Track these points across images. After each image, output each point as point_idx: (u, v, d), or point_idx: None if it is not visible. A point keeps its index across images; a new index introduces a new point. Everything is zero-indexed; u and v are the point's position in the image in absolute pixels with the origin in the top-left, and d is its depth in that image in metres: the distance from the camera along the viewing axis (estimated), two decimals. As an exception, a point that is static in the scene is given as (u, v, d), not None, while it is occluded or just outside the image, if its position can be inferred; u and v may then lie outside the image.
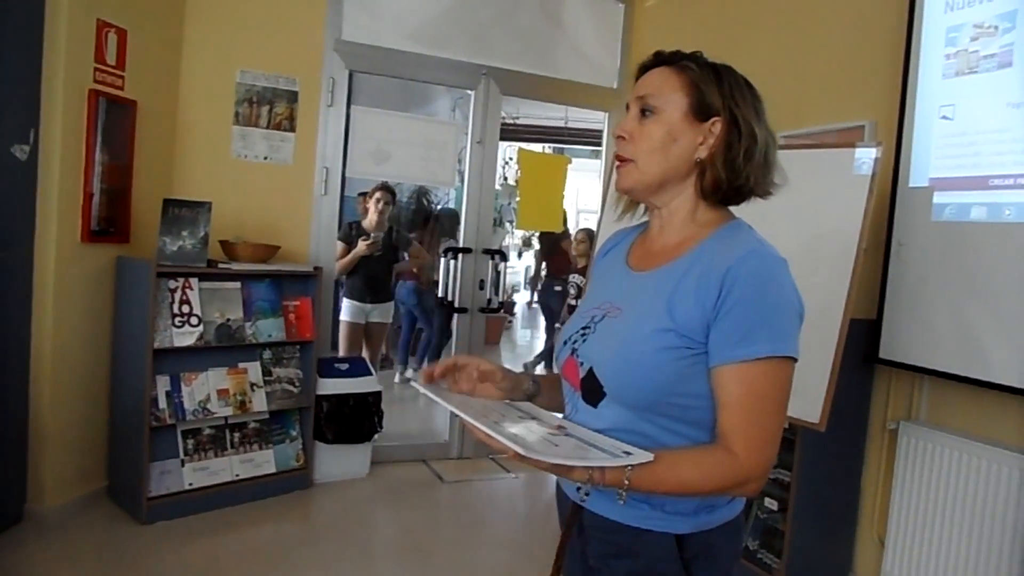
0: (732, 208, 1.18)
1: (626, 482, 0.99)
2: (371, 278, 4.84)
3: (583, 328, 1.18)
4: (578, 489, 1.06)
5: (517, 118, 9.73)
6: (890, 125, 2.70)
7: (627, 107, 1.19)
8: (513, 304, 12.44)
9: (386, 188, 4.80)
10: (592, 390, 1.11)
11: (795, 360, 1.04)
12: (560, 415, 1.20)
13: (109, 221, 3.19)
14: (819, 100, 3.10)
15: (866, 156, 2.36)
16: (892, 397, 2.74)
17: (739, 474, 1.01)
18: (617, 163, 1.18)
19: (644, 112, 1.14)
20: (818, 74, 3.12)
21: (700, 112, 1.12)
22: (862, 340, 2.65)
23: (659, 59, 1.18)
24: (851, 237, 2.34)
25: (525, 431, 1.03)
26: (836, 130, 2.99)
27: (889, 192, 2.62)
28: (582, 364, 1.14)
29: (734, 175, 1.11)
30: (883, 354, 2.63)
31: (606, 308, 1.17)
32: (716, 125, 1.11)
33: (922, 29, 2.56)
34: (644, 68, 1.19)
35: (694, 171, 1.14)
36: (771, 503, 2.76)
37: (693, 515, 1.11)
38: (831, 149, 2.50)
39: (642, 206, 1.24)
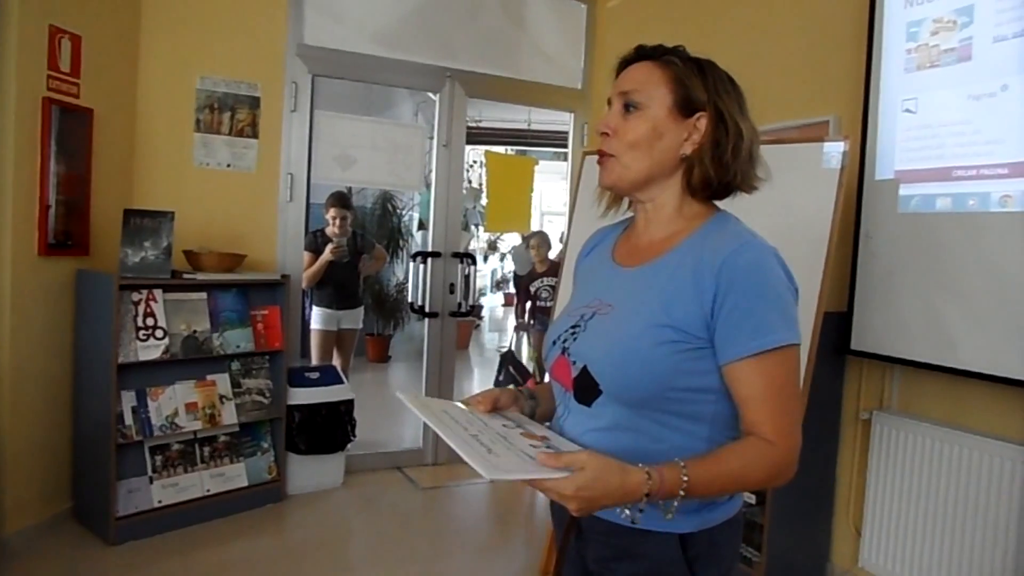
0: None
1: (684, 480, 0.96)
2: (339, 284, 4.77)
3: (572, 327, 1.16)
4: (626, 513, 1.01)
5: (480, 121, 9.70)
6: (854, 120, 2.74)
7: (608, 102, 1.18)
8: (481, 307, 12.42)
9: (339, 203, 4.70)
10: (586, 388, 1.10)
11: (799, 345, 1.05)
12: (547, 424, 1.18)
13: (67, 234, 3.09)
14: (782, 96, 3.13)
15: (834, 150, 2.39)
16: (864, 387, 2.78)
17: (780, 460, 1.02)
18: (599, 158, 1.17)
19: (628, 107, 1.13)
20: (780, 70, 3.16)
21: (685, 108, 1.11)
22: (833, 332, 2.68)
23: (641, 53, 1.16)
24: (821, 230, 2.36)
25: (504, 447, 1.00)
26: (800, 126, 3.02)
27: (856, 185, 2.66)
28: (574, 363, 1.12)
29: (723, 171, 1.11)
30: (854, 345, 2.66)
31: (596, 306, 1.16)
32: (701, 121, 1.11)
33: (883, 24, 2.61)
34: (625, 62, 1.18)
35: (680, 167, 1.13)
36: (749, 497, 2.78)
37: (696, 513, 1.09)
38: (799, 144, 2.52)
39: (626, 201, 1.22)
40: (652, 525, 1.08)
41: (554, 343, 1.18)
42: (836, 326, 2.68)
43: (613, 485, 0.94)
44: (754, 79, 3.18)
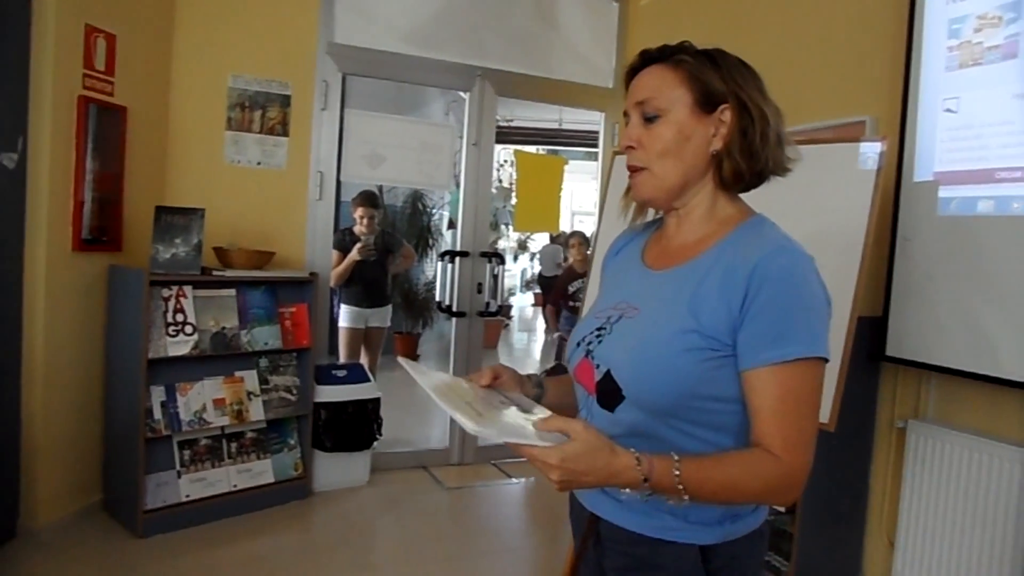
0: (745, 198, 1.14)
1: (676, 474, 0.92)
2: (368, 282, 4.78)
3: (598, 329, 1.13)
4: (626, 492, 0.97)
5: (511, 121, 9.69)
6: (892, 120, 2.66)
7: (624, 114, 1.13)
8: (510, 307, 12.41)
9: (367, 202, 4.72)
10: (609, 393, 1.06)
11: (827, 361, 1.00)
12: (547, 410, 1.13)
13: (100, 229, 3.14)
14: (818, 96, 3.06)
15: (871, 151, 2.32)
16: (899, 395, 2.70)
17: (781, 476, 0.97)
18: (630, 174, 1.13)
19: (648, 118, 1.09)
20: (817, 69, 3.09)
21: (707, 103, 1.07)
22: (868, 337, 2.61)
23: (647, 58, 1.12)
24: (856, 233, 2.30)
25: (496, 415, 0.97)
26: (836, 126, 2.95)
27: (893, 187, 2.58)
28: (598, 367, 1.09)
29: (754, 161, 1.07)
30: (890, 351, 2.59)
31: (622, 308, 1.12)
32: (726, 113, 1.07)
33: (923, 21, 2.53)
34: (634, 70, 1.13)
35: (711, 165, 1.09)
36: (778, 506, 2.72)
37: (718, 524, 1.06)
38: (834, 144, 2.46)
39: (651, 208, 1.19)
40: (672, 536, 1.05)
41: (578, 344, 1.15)
42: (870, 331, 2.61)
43: (599, 463, 0.90)
44: (789, 78, 3.15)
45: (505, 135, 9.41)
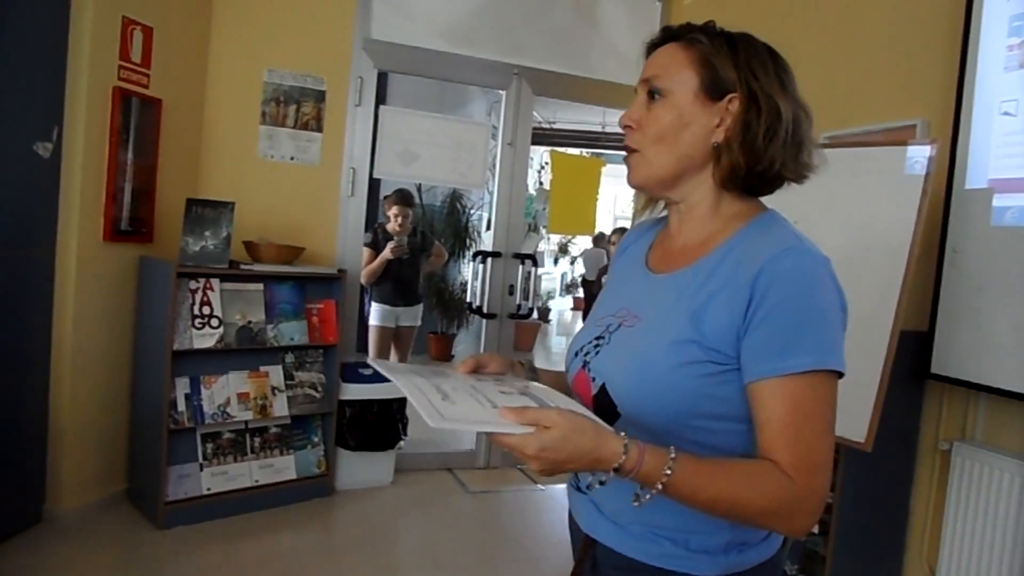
0: (765, 200, 1.04)
1: (666, 473, 0.83)
2: (399, 281, 4.76)
3: (596, 339, 1.04)
4: (589, 486, 0.88)
5: (553, 123, 9.62)
6: (944, 123, 2.51)
7: (636, 91, 1.04)
8: (548, 311, 12.34)
9: (401, 201, 4.67)
10: (604, 410, 0.97)
11: (841, 375, 0.90)
12: (534, 383, 1.03)
13: (133, 220, 3.16)
14: (867, 98, 2.92)
15: (919, 154, 2.19)
16: (945, 415, 2.55)
17: (791, 498, 0.85)
18: (625, 155, 1.04)
19: (652, 96, 1.00)
20: (866, 70, 2.95)
21: (713, 90, 0.97)
22: (912, 354, 2.47)
23: (667, 34, 1.04)
24: (901, 242, 2.17)
25: (466, 394, 0.87)
26: (885, 130, 2.81)
27: (943, 194, 2.44)
28: (594, 380, 1.00)
29: (754, 158, 0.96)
30: (935, 369, 2.44)
31: (622, 316, 1.03)
32: (733, 103, 0.97)
33: (980, 19, 2.38)
34: (652, 46, 1.05)
35: (712, 158, 0.99)
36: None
37: (723, 554, 0.96)
38: (880, 147, 2.33)
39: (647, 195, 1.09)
40: (672, 564, 0.96)
41: (576, 354, 1.07)
42: (915, 347, 2.47)
43: (584, 449, 0.81)
44: (837, 80, 3.01)
45: (547, 137, 9.35)
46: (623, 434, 0.84)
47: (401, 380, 0.88)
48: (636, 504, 0.85)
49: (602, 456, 0.82)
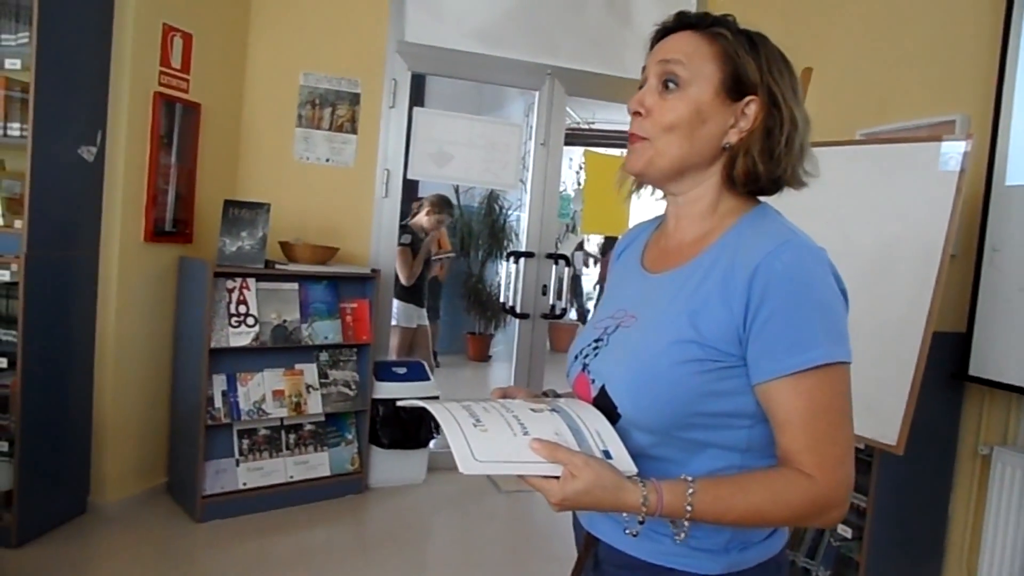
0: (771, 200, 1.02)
1: (688, 509, 0.85)
2: (424, 281, 4.92)
3: (595, 341, 1.03)
4: (625, 530, 0.91)
5: (592, 123, 9.57)
6: (984, 119, 2.44)
7: (642, 72, 1.01)
8: (587, 312, 12.26)
9: (443, 206, 4.82)
10: (605, 411, 0.96)
11: (849, 364, 0.89)
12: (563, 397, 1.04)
13: (173, 221, 3.25)
14: (904, 93, 2.85)
15: (953, 150, 2.13)
16: (985, 419, 2.48)
17: (818, 498, 0.87)
18: (629, 141, 1.02)
19: (667, 84, 0.97)
20: (903, 65, 2.88)
21: (734, 90, 0.95)
22: (949, 355, 2.41)
23: (684, 21, 0.99)
24: (935, 240, 2.11)
25: (497, 415, 0.89)
26: (923, 126, 2.74)
27: (982, 191, 2.37)
28: (594, 382, 0.99)
29: (773, 165, 0.95)
30: (973, 371, 2.37)
31: (620, 317, 1.02)
32: (751, 106, 0.95)
33: (1022, 11, 2.31)
34: (665, 31, 1.01)
35: (719, 157, 0.97)
36: (844, 530, 2.54)
37: (723, 552, 0.95)
38: (913, 144, 2.27)
39: (648, 188, 1.07)
40: (672, 562, 0.95)
41: (576, 358, 1.06)
42: (952, 348, 2.40)
43: (604, 502, 0.85)
44: (874, 75, 2.95)
45: (585, 137, 9.30)
46: (641, 484, 0.86)
47: (435, 407, 0.91)
48: (679, 539, 0.89)
49: (621, 508, 0.86)
